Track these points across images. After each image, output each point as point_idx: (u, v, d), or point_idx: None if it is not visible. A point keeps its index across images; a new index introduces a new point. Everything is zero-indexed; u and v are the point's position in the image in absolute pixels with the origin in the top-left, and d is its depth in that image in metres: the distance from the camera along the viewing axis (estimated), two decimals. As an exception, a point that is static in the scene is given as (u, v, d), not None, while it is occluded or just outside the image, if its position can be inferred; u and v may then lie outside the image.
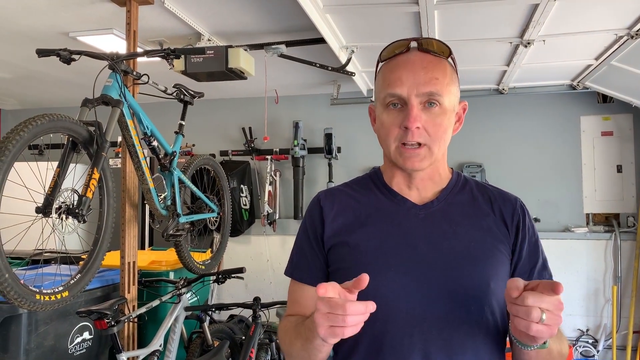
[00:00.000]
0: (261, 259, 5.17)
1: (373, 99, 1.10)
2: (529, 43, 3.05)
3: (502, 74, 4.02)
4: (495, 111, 4.73)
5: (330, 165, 4.95)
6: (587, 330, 4.44)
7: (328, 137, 4.83)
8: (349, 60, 3.41)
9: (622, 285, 4.36)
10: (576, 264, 4.47)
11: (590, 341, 4.40)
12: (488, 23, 2.88)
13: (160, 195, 2.72)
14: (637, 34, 2.80)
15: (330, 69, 3.59)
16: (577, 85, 4.25)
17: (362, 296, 0.92)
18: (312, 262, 1.14)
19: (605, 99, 4.46)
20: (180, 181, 2.88)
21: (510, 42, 3.15)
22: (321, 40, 3.09)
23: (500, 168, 4.67)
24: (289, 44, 3.35)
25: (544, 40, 3.05)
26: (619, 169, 4.47)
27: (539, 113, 4.64)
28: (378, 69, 1.12)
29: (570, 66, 3.83)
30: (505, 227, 1.10)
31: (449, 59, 1.10)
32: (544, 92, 4.51)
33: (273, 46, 3.35)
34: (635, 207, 4.38)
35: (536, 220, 4.57)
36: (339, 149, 4.99)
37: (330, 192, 1.19)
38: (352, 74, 3.70)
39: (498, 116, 4.73)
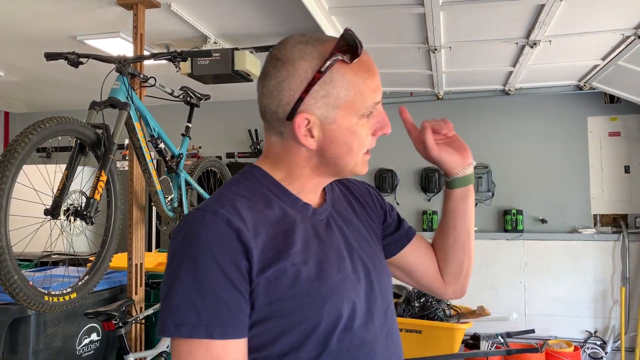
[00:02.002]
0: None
1: (316, 106, 0.90)
2: (535, 43, 3.04)
3: (508, 74, 4.01)
4: (502, 112, 4.71)
5: (336, 166, 4.95)
6: (595, 332, 4.41)
7: (334, 138, 4.82)
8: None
9: (630, 287, 4.33)
10: (584, 265, 4.44)
11: (599, 343, 4.37)
12: (494, 24, 2.87)
13: (167, 197, 2.73)
14: (644, 34, 2.79)
15: (335, 70, 3.59)
16: (584, 85, 4.22)
17: (329, 326, 0.88)
18: (237, 309, 0.84)
19: (612, 99, 4.43)
20: (187, 183, 2.90)
21: (517, 43, 3.14)
22: (327, 42, 3.09)
23: (507, 169, 4.65)
24: (294, 46, 3.36)
25: (550, 41, 3.04)
26: (627, 169, 4.45)
27: (546, 114, 4.62)
28: (332, 66, 0.88)
29: (577, 66, 3.81)
30: (371, 210, 1.11)
31: None
32: (550, 93, 4.49)
33: (279, 48, 3.36)
34: (644, 208, 4.35)
35: (543, 221, 4.55)
36: (345, 151, 5.00)
37: (232, 207, 0.88)
38: (357, 75, 3.70)
39: (504, 117, 4.71)
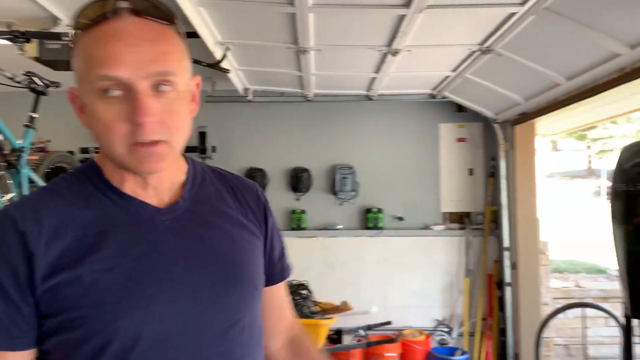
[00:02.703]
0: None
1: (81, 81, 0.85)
2: (396, 52, 3.23)
3: (371, 80, 4.22)
4: (365, 116, 4.96)
5: (203, 164, 4.80)
6: (444, 319, 4.84)
7: (202, 135, 4.68)
8: (224, 57, 3.33)
9: (473, 278, 4.83)
10: (435, 259, 4.86)
11: (446, 330, 4.80)
12: (360, 30, 2.99)
13: (5, 197, 2.42)
14: (487, 50, 3.12)
15: (204, 64, 3.48)
16: (437, 94, 4.62)
17: (126, 345, 0.79)
18: (6, 319, 0.79)
19: (460, 108, 4.90)
20: (31, 180, 2.60)
21: (380, 50, 3.32)
22: (194, 35, 2.98)
23: (369, 170, 4.90)
24: (159, 36, 3.18)
25: (409, 50, 3.25)
26: (471, 172, 4.95)
27: (404, 119, 4.96)
28: (75, 39, 0.83)
29: (431, 76, 4.14)
30: (254, 217, 1.00)
31: (176, 26, 0.89)
32: (408, 100, 4.84)
33: (142, 37, 3.15)
34: (483, 206, 4.88)
35: (400, 219, 4.88)
36: (213, 148, 4.87)
37: (30, 208, 0.82)
38: (227, 71, 3.62)
39: (368, 121, 4.96)
